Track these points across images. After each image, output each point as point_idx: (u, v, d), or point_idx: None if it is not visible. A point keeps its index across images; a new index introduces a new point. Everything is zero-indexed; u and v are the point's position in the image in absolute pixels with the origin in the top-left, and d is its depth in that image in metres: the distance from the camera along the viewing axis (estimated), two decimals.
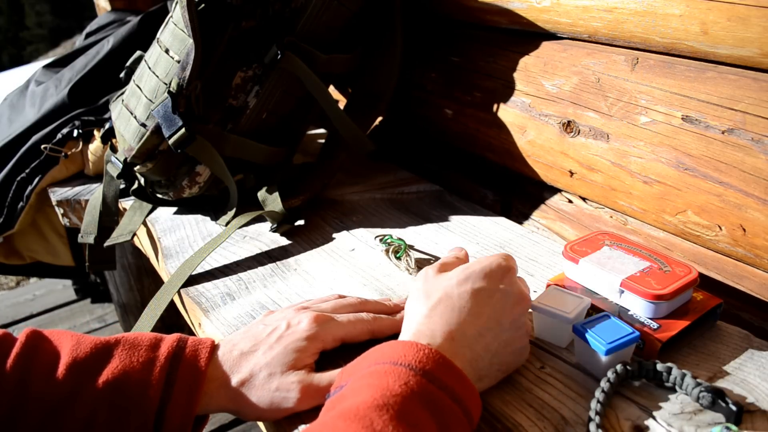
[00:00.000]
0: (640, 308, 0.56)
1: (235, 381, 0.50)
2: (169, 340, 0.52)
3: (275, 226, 0.83)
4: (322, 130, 1.29)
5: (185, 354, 0.51)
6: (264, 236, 0.83)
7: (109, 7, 1.61)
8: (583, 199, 0.83)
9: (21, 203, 1.20)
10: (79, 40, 1.50)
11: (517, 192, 0.94)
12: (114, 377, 0.48)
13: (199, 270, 0.75)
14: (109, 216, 0.96)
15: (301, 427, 0.49)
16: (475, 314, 0.48)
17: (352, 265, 0.74)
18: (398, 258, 0.73)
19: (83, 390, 0.48)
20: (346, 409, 0.38)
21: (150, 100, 0.81)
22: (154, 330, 0.83)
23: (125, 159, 0.86)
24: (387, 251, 0.74)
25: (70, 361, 0.49)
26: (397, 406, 0.38)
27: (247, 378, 0.50)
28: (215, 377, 0.50)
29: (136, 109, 0.84)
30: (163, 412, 0.48)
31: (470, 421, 0.42)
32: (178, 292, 0.73)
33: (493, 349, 0.49)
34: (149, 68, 0.84)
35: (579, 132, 0.76)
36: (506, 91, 0.86)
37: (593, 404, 0.47)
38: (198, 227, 0.87)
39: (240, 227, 0.80)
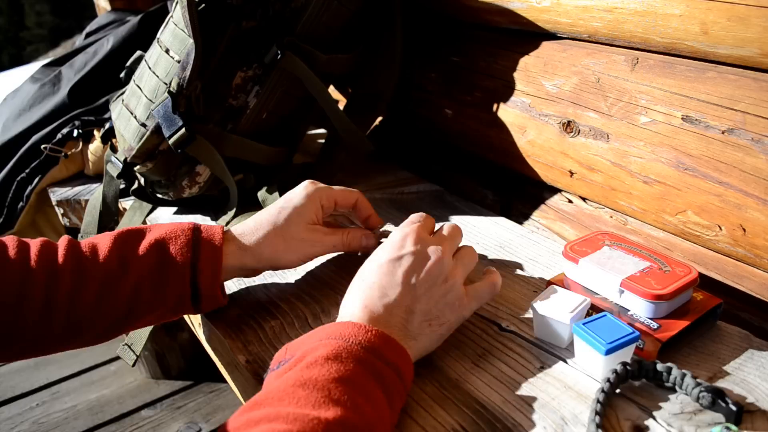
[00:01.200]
0: (640, 308, 0.56)
1: (247, 236, 0.63)
2: (186, 224, 0.62)
3: None
4: (322, 130, 1.29)
5: (202, 228, 0.62)
6: None
7: (109, 7, 1.61)
8: (583, 199, 0.83)
9: (21, 203, 1.20)
10: (79, 40, 1.50)
11: (517, 192, 0.94)
12: (150, 242, 0.59)
13: None
14: (109, 216, 0.96)
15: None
16: (384, 285, 0.52)
17: (353, 264, 0.74)
18: None
19: (129, 254, 0.58)
20: (305, 380, 0.41)
21: (150, 100, 0.81)
22: (153, 331, 0.83)
23: (125, 159, 0.86)
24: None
25: (116, 235, 0.59)
26: (353, 378, 0.42)
27: (252, 227, 0.63)
28: (230, 237, 0.62)
29: (136, 109, 0.84)
30: (196, 265, 0.59)
31: (405, 385, 0.47)
32: None
33: (417, 309, 0.51)
34: (149, 68, 0.84)
35: (579, 132, 0.76)
36: (506, 91, 0.86)
37: (593, 404, 0.47)
38: None
39: None
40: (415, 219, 0.59)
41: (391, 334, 0.48)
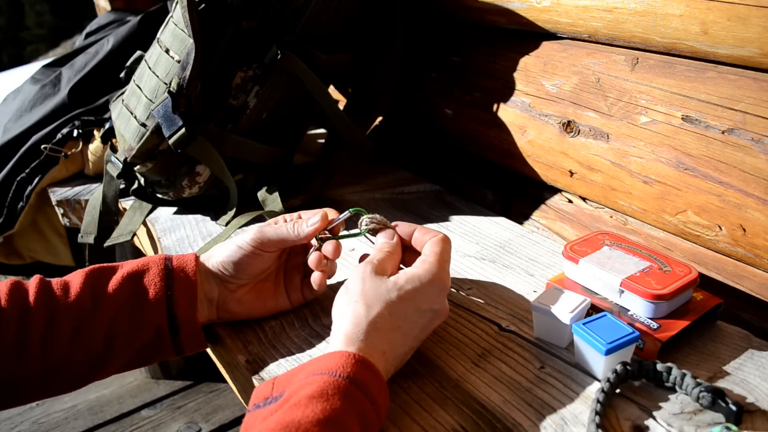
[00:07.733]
0: (640, 308, 0.56)
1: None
2: (157, 256, 0.61)
3: None
4: (322, 130, 1.29)
5: (174, 257, 0.61)
6: None
7: (109, 7, 1.61)
8: (583, 199, 0.83)
9: (21, 203, 1.20)
10: (79, 40, 1.50)
11: (517, 192, 0.94)
12: (123, 276, 0.58)
13: None
14: (109, 216, 0.96)
15: None
16: (407, 334, 0.51)
17: (352, 264, 0.74)
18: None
19: (102, 289, 0.57)
20: (287, 422, 0.39)
21: (150, 100, 0.81)
22: None
23: (125, 159, 0.86)
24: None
25: (87, 271, 0.58)
26: (336, 418, 0.41)
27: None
28: (200, 267, 0.61)
29: (136, 109, 0.84)
30: (171, 294, 0.58)
31: (380, 421, 0.46)
32: None
33: (406, 359, 0.54)
34: (149, 68, 0.84)
35: (579, 132, 0.76)
36: (506, 91, 0.86)
37: (593, 404, 0.47)
38: (198, 227, 0.87)
39: (240, 227, 0.80)
40: (445, 264, 0.55)
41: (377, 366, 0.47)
